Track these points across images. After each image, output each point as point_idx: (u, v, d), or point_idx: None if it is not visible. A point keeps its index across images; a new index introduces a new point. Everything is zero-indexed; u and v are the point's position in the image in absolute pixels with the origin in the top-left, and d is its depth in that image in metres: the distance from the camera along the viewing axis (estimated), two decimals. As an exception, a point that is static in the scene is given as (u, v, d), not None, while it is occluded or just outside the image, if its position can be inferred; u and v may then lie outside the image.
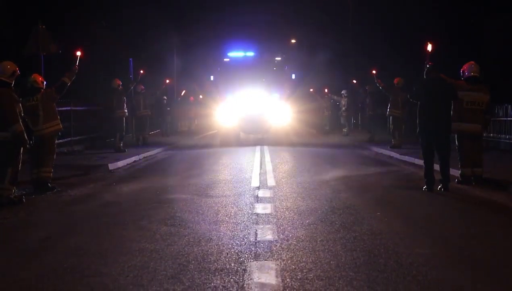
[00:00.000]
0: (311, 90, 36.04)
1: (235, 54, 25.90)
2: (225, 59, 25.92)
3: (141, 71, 23.60)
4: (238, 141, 24.87)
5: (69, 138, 20.93)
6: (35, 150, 11.57)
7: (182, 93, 37.41)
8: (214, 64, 26.36)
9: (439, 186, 11.27)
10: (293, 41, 27.85)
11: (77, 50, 13.12)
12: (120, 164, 16.75)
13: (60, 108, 21.52)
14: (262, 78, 25.17)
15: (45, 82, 12.28)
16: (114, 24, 27.30)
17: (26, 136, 10.31)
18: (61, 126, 12.38)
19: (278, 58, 26.16)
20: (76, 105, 22.37)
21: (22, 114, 10.46)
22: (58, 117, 12.31)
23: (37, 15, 18.48)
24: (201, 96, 40.91)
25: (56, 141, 12.69)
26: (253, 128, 25.09)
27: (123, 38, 28.67)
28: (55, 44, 16.51)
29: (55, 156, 12.30)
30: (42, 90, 12.10)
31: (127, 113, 21.08)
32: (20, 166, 10.58)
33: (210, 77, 26.12)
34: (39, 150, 11.74)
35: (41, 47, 16.33)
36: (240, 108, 24.52)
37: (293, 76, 26.09)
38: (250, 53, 25.85)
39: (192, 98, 41.53)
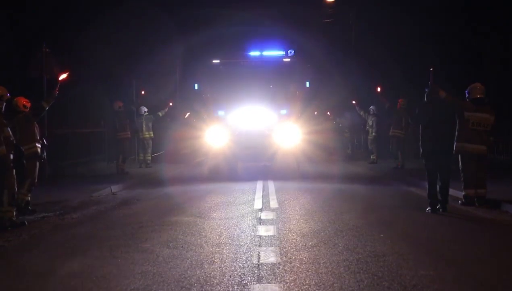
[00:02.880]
0: (316, 113, 35.32)
1: (228, 54, 19.63)
2: (214, 61, 19.44)
3: (142, 92, 23.71)
4: (233, 174, 18.63)
5: (72, 161, 20.98)
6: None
7: (186, 115, 37.33)
8: (200, 67, 20.01)
9: (437, 206, 11.25)
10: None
11: (62, 73, 13.07)
12: (123, 186, 16.73)
13: (61, 130, 21.96)
14: (266, 87, 19.09)
15: (28, 106, 12.21)
16: (115, 41, 27.19)
17: (9, 160, 10.39)
18: (37, 149, 12.13)
19: (288, 60, 19.38)
20: (78, 127, 22.42)
21: (11, 139, 10.56)
22: (36, 140, 12.13)
23: (41, 37, 18.57)
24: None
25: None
26: (253, 156, 18.82)
27: (124, 57, 28.60)
28: (58, 67, 16.57)
29: (35, 180, 12.16)
30: (21, 113, 12.06)
31: (129, 135, 21.11)
32: (16, 187, 10.65)
33: (194, 86, 19.71)
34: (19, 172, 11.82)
35: (45, 70, 16.41)
36: (236, 129, 18.63)
37: (308, 84, 19.51)
38: (249, 52, 19.58)
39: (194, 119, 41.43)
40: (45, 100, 12.36)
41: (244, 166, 19.63)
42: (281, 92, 19.13)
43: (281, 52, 19.47)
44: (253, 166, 19.45)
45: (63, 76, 12.88)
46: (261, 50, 19.46)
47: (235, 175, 18.51)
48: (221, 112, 19.10)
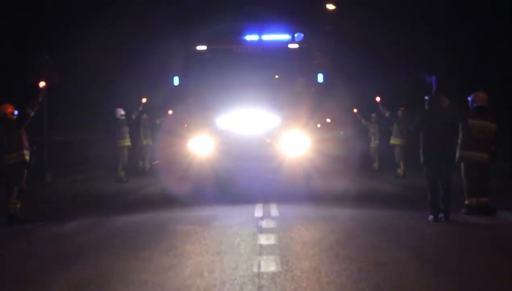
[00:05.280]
0: (319, 126, 34.74)
1: (218, 38, 15.31)
2: (199, 47, 15.14)
3: (143, 100, 23.47)
4: (224, 194, 14.55)
5: (70, 168, 20.96)
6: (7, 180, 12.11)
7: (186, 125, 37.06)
8: (181, 56, 15.77)
9: (440, 215, 11.20)
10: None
11: (41, 80, 13.01)
12: (122, 194, 16.67)
13: (60, 138, 21.96)
14: (266, 82, 14.95)
15: (15, 113, 12.15)
16: (113, 44, 26.98)
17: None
18: (25, 157, 12.04)
19: (295, 46, 15.15)
20: (78, 134, 22.37)
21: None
22: (24, 147, 12.04)
23: (41, 43, 18.58)
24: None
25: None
26: (250, 171, 14.52)
27: (122, 61, 28.37)
28: (59, 73, 16.57)
29: (23, 187, 12.08)
30: (8, 120, 12.02)
31: (129, 143, 21.00)
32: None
33: (173, 80, 15.05)
34: (7, 180, 11.92)
35: (45, 76, 16.38)
36: (229, 137, 14.62)
37: (321, 77, 15.12)
38: (245, 37, 15.38)
39: None
40: (29, 107, 12.26)
41: (239, 182, 14.96)
42: (286, 89, 14.98)
43: (286, 36, 15.28)
44: (251, 182, 14.81)
45: (42, 83, 12.81)
46: (261, 33, 15.28)
47: (227, 196, 14.49)
48: (209, 115, 14.89)
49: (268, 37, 15.29)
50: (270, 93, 14.75)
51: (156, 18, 30.17)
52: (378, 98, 22.14)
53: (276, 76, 15.26)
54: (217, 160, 14.58)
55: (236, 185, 14.86)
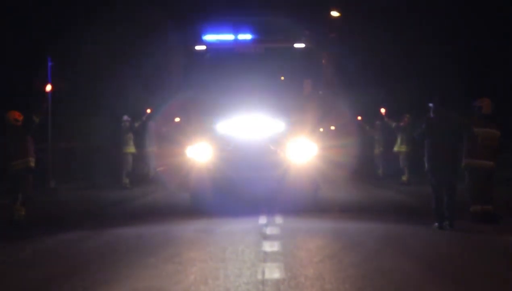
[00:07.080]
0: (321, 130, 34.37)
1: (218, 37, 14.42)
2: (198, 48, 14.27)
3: (148, 110, 23.35)
4: (225, 202, 13.68)
5: (74, 174, 20.99)
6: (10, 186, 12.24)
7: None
8: (179, 57, 14.86)
9: (445, 222, 11.18)
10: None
11: (46, 85, 13.04)
12: (126, 201, 16.68)
13: (65, 144, 22.04)
14: (270, 84, 14.04)
15: (20, 119, 12.19)
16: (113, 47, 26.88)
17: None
18: (31, 164, 12.14)
19: (301, 46, 14.22)
20: (82, 140, 22.39)
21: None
22: (31, 154, 12.12)
23: (47, 50, 18.64)
24: None
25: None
26: (253, 180, 13.57)
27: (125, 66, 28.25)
28: (64, 80, 16.64)
29: (28, 194, 12.18)
30: (13, 127, 12.05)
31: (134, 150, 20.98)
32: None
33: (168, 82, 14.72)
34: (12, 186, 12.01)
35: (50, 81, 16.43)
36: (230, 143, 13.71)
37: (328, 79, 14.85)
38: (247, 36, 14.32)
39: None
40: (35, 114, 12.30)
41: (241, 192, 13.93)
42: (291, 91, 14.04)
43: (291, 36, 14.33)
44: (254, 192, 13.84)
45: (48, 88, 12.87)
46: (264, 32, 14.41)
47: (230, 206, 13.62)
48: (209, 120, 13.94)
49: (272, 36, 14.36)
50: (275, 96, 13.83)
51: (153, 16, 29.92)
52: (383, 110, 22.17)
53: (282, 78, 14.44)
54: (218, 168, 13.72)
55: (239, 195, 13.94)
